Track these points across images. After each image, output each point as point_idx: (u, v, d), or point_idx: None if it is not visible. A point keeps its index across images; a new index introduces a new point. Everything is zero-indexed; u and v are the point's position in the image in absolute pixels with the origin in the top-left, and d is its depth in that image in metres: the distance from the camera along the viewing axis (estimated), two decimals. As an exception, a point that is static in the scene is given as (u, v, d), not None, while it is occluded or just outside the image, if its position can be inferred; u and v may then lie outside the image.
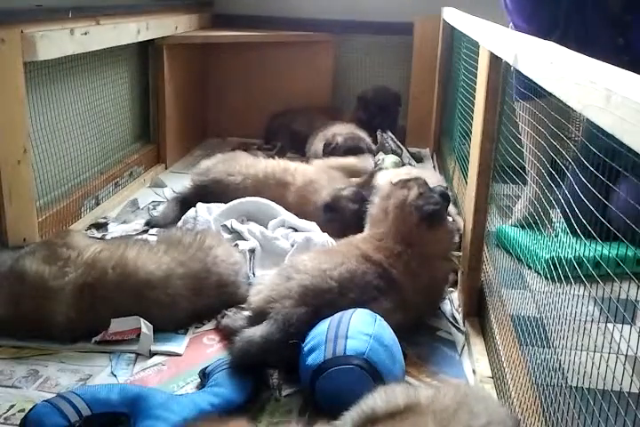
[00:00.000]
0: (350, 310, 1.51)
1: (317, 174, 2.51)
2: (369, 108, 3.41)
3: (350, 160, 2.79)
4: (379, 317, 1.51)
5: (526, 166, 1.77)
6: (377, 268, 1.67)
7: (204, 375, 1.47)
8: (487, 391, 1.42)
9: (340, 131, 3.10)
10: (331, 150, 2.94)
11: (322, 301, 1.56)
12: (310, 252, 1.87)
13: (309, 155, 3.17)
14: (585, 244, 1.20)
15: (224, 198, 2.40)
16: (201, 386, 1.46)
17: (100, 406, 1.30)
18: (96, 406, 1.30)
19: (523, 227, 2.11)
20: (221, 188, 2.49)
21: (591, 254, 1.29)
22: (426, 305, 1.76)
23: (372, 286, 1.63)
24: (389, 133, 3.32)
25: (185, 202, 2.47)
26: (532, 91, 1.44)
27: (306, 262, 1.66)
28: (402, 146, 3.26)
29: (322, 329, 1.46)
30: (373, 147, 3.14)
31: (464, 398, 1.10)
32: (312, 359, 1.40)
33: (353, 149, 2.91)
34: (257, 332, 1.49)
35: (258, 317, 1.58)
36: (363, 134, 3.14)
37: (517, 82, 1.96)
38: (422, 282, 1.70)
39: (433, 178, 2.57)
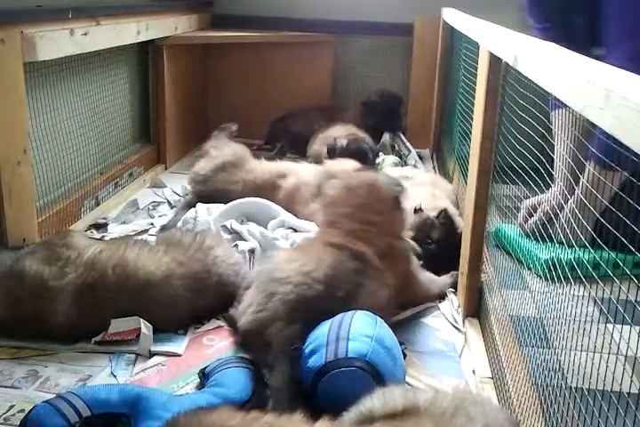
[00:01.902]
0: (351, 312, 1.50)
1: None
2: (376, 114, 3.38)
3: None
4: (379, 318, 1.51)
5: (555, 175, 1.77)
6: (347, 252, 1.66)
7: (204, 375, 1.47)
8: (487, 395, 1.42)
9: (340, 133, 3.07)
10: (336, 154, 2.89)
11: (311, 307, 1.53)
12: (281, 253, 1.80)
13: (309, 154, 3.17)
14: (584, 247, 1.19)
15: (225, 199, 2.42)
16: (201, 386, 1.46)
17: (99, 406, 1.30)
18: (96, 407, 1.30)
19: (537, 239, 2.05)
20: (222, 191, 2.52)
21: (590, 256, 1.28)
22: (406, 286, 1.77)
23: (352, 273, 1.62)
24: (401, 136, 3.33)
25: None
26: None
27: (283, 268, 1.61)
28: (411, 148, 3.27)
29: (323, 331, 1.46)
30: (375, 146, 3.14)
31: (462, 402, 1.10)
32: (313, 361, 1.40)
33: (357, 151, 2.89)
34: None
35: (247, 339, 1.59)
36: (363, 134, 3.13)
37: None
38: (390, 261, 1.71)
39: (438, 181, 2.58)
